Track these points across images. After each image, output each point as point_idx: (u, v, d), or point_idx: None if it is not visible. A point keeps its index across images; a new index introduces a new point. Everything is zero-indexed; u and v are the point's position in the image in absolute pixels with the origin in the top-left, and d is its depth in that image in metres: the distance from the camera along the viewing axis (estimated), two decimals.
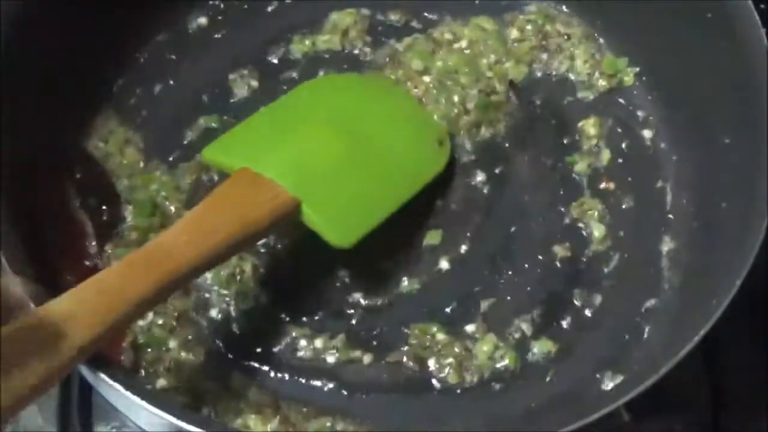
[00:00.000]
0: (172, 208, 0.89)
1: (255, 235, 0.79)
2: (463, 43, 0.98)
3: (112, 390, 0.69)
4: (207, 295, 0.86)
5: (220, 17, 1.00)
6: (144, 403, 0.68)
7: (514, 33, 0.99)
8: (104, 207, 0.88)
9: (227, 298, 0.86)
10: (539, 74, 0.98)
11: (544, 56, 0.98)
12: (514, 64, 0.97)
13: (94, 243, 0.86)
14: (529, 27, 0.99)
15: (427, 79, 0.95)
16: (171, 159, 0.92)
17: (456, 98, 0.94)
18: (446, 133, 0.94)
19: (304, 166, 0.84)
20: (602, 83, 0.97)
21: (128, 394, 0.69)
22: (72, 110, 0.90)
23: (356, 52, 0.98)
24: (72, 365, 0.66)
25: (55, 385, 0.66)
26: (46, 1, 0.85)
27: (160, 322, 0.84)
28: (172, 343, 0.83)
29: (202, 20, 0.99)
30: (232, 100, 0.96)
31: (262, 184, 0.80)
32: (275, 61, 0.98)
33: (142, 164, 0.91)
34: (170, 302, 0.84)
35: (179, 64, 0.97)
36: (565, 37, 0.99)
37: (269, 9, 1.01)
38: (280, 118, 0.90)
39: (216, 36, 0.99)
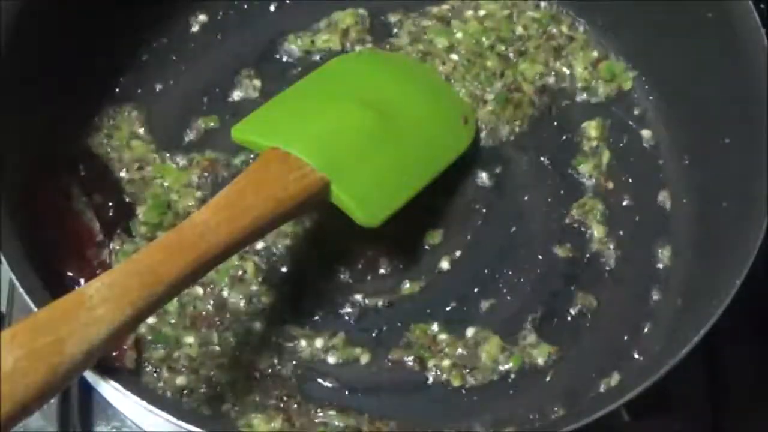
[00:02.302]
0: (183, 205, 0.89)
1: (284, 216, 0.79)
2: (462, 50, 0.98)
3: (112, 390, 0.69)
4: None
5: (220, 17, 1.00)
6: (144, 404, 0.68)
7: (519, 30, 0.99)
8: (110, 203, 0.88)
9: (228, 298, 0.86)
10: (541, 75, 0.98)
11: (547, 57, 0.98)
12: (530, 63, 0.97)
13: (100, 239, 0.86)
14: (535, 26, 0.99)
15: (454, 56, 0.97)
16: (173, 158, 0.92)
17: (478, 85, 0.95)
18: (471, 110, 0.94)
19: (333, 144, 0.84)
20: (603, 85, 0.97)
21: (128, 394, 0.69)
22: (74, 110, 0.90)
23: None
24: (105, 348, 0.66)
25: (88, 366, 0.66)
26: (47, 2, 0.85)
27: (172, 321, 0.84)
28: (189, 339, 0.84)
29: (203, 20, 0.99)
30: (232, 100, 0.96)
31: (292, 163, 0.80)
32: (276, 61, 0.98)
33: (151, 159, 0.91)
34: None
35: (180, 64, 0.97)
36: (569, 38, 0.99)
37: (269, 9, 1.01)
38: (308, 95, 0.90)
39: (216, 36, 0.99)
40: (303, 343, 0.85)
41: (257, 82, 0.96)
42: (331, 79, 0.92)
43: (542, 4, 1.01)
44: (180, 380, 0.82)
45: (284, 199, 0.78)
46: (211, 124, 0.94)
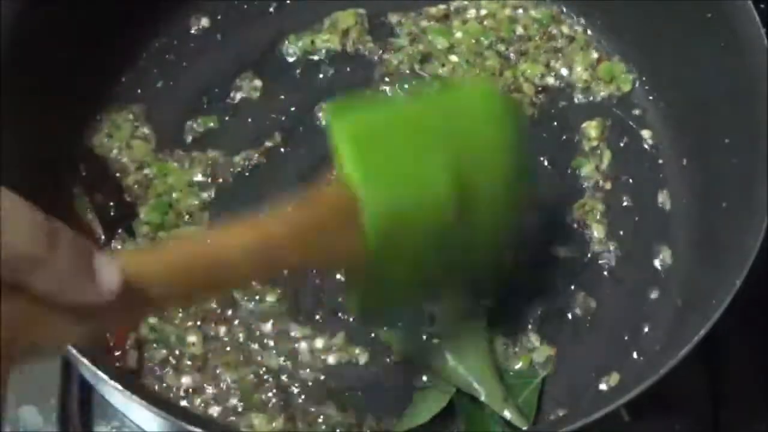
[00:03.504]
0: (184, 204, 0.90)
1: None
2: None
3: (112, 390, 0.69)
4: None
5: (220, 17, 1.00)
6: (144, 403, 0.68)
7: (519, 30, 0.99)
8: (111, 203, 0.88)
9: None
10: (542, 75, 0.98)
11: (547, 57, 0.98)
12: (531, 64, 0.97)
13: (101, 239, 0.86)
14: (535, 26, 0.99)
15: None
16: (174, 157, 0.92)
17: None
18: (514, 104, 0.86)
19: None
20: (603, 86, 0.97)
21: (128, 394, 0.69)
22: (74, 110, 0.90)
23: (357, 51, 0.98)
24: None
25: None
26: (47, 2, 0.85)
27: (176, 320, 0.84)
28: (193, 338, 0.84)
29: (203, 21, 0.99)
30: (232, 100, 0.96)
31: (352, 218, 0.66)
32: (276, 61, 0.98)
33: (151, 158, 0.91)
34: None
35: (180, 65, 0.97)
36: (569, 39, 0.99)
37: (269, 9, 1.01)
38: (413, 131, 0.70)
39: (216, 36, 0.99)
40: (303, 343, 0.85)
41: (257, 83, 0.96)
42: (444, 117, 0.72)
43: (542, 4, 1.01)
44: (183, 380, 0.82)
45: (315, 260, 0.67)
46: (211, 124, 0.94)
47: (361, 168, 0.67)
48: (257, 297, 0.86)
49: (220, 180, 0.91)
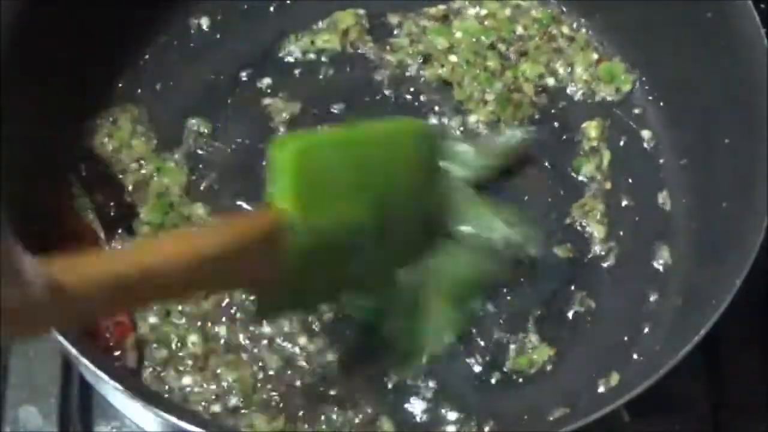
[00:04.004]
0: (185, 204, 0.90)
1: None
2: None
3: (112, 390, 0.69)
4: None
5: (220, 17, 0.99)
6: (144, 403, 0.68)
7: (519, 30, 0.99)
8: (111, 203, 0.88)
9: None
10: (542, 75, 0.98)
11: (547, 57, 0.98)
12: (531, 64, 0.97)
13: (101, 239, 0.86)
14: (535, 26, 0.99)
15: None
16: (174, 157, 0.92)
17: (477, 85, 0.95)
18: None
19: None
20: (603, 86, 0.97)
21: (128, 394, 0.69)
22: (74, 109, 0.90)
23: (357, 51, 0.98)
24: None
25: None
26: (47, 2, 0.85)
27: (176, 320, 0.84)
28: (193, 338, 0.84)
29: (203, 21, 0.99)
30: (232, 101, 0.96)
31: (275, 241, 0.69)
32: (275, 61, 0.98)
33: (151, 158, 0.91)
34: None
35: (180, 64, 0.97)
36: (569, 39, 0.99)
37: (269, 9, 1.01)
38: (351, 165, 0.76)
39: (216, 36, 0.99)
40: (303, 343, 0.85)
41: (257, 82, 0.96)
42: (376, 156, 0.79)
43: (543, 4, 1.01)
44: (183, 380, 0.82)
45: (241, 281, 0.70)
46: (211, 124, 0.94)
47: (293, 193, 0.71)
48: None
49: (220, 179, 0.91)
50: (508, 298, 0.88)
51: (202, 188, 0.91)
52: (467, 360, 0.85)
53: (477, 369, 0.85)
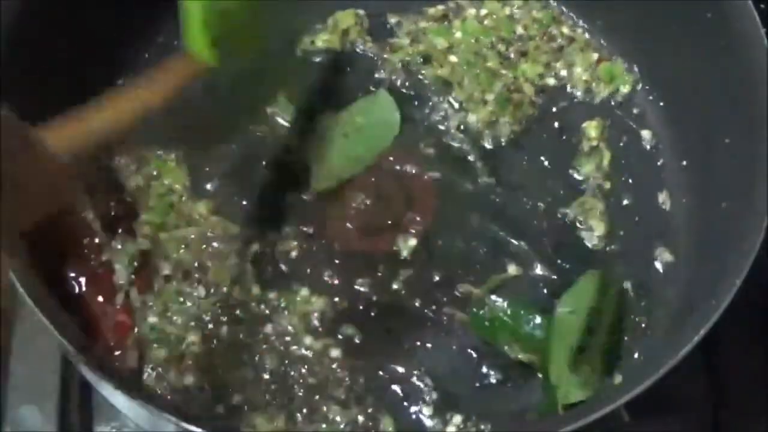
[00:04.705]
0: (185, 204, 0.90)
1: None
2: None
3: (112, 390, 0.69)
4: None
5: None
6: (144, 403, 0.68)
7: (519, 30, 0.99)
8: (111, 203, 0.88)
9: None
10: (542, 75, 0.98)
11: (547, 57, 0.98)
12: (531, 64, 0.97)
13: (101, 239, 0.86)
14: (535, 26, 0.99)
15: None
16: (173, 158, 0.92)
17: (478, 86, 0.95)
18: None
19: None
20: (603, 86, 0.97)
21: (128, 394, 0.69)
22: (74, 110, 0.90)
23: (357, 51, 0.98)
24: None
25: None
26: (47, 2, 0.85)
27: (177, 320, 0.84)
28: (193, 338, 0.84)
29: None
30: None
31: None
32: None
33: (151, 158, 0.91)
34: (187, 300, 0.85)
35: None
36: (569, 39, 0.99)
37: None
38: None
39: None
40: (304, 342, 0.85)
41: None
42: None
43: (543, 4, 1.01)
44: (184, 380, 0.82)
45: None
46: None
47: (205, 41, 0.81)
48: (258, 297, 0.86)
49: (221, 179, 0.91)
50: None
51: (202, 188, 0.91)
52: (467, 360, 0.85)
53: (477, 369, 0.85)
